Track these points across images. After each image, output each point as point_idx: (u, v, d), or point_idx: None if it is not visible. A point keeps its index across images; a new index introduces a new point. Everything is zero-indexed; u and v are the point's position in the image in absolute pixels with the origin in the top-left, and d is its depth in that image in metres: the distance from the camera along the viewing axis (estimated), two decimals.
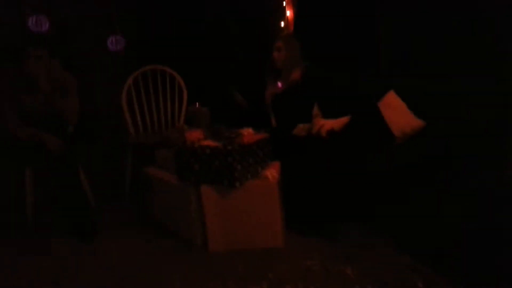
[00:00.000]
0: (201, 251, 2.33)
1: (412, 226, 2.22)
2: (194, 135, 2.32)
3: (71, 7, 3.96)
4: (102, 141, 3.40)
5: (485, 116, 2.21)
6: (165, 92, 3.40)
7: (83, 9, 4.05)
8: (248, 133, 2.29)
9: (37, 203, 2.88)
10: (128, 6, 4.23)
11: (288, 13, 3.81)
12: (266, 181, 2.27)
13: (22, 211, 2.85)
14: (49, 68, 2.67)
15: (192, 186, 2.34)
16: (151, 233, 2.61)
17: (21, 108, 2.66)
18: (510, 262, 1.73)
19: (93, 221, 2.71)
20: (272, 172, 2.29)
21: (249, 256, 2.22)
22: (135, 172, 3.15)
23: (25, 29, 3.47)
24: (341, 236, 2.35)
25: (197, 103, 3.09)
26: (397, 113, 2.43)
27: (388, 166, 2.19)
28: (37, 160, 2.74)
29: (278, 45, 3.13)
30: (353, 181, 2.31)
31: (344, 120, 2.74)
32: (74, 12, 3.99)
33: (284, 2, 3.80)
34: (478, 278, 1.76)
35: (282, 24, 3.84)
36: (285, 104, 3.15)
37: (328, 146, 2.62)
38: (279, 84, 3.23)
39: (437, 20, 2.63)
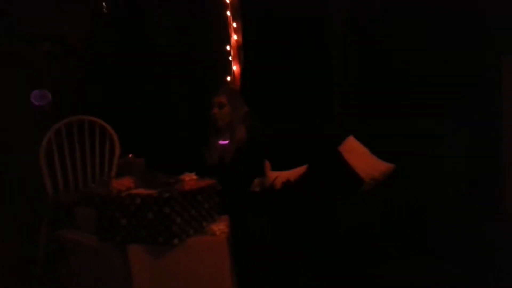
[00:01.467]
0: None
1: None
2: (122, 183, 1.87)
3: None
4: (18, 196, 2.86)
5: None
6: (94, 145, 2.96)
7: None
8: (190, 179, 1.87)
9: None
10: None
11: (235, 67, 3.63)
12: (212, 237, 1.83)
13: None
14: None
15: (116, 248, 1.84)
16: None
17: None
18: None
19: None
20: (219, 227, 1.86)
21: None
22: (51, 239, 2.57)
23: None
24: None
25: (130, 155, 2.66)
26: (360, 156, 2.21)
27: (358, 215, 1.86)
28: None
29: (220, 101, 2.82)
30: (318, 232, 1.94)
31: (300, 169, 2.47)
32: None
33: (230, 57, 3.63)
34: None
35: (228, 78, 3.63)
36: (236, 162, 2.83)
37: (285, 198, 2.30)
38: (225, 142, 2.91)
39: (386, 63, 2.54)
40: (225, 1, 3.51)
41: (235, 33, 3.51)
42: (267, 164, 2.71)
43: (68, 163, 2.91)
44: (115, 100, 3.51)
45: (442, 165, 1.99)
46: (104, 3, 3.81)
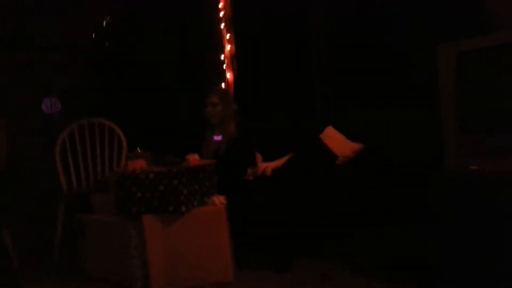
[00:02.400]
0: None
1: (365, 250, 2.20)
2: (137, 164, 2.20)
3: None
4: (33, 189, 3.12)
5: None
6: (103, 144, 3.27)
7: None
8: (193, 158, 2.21)
9: None
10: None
11: (229, 75, 3.98)
12: (213, 207, 2.15)
13: None
14: None
15: (132, 220, 2.15)
16: (85, 286, 2.30)
17: None
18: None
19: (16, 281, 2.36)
20: (219, 198, 2.19)
21: None
22: (67, 225, 2.86)
23: None
24: (294, 268, 2.23)
25: (138, 148, 2.97)
26: (336, 141, 2.60)
27: (333, 183, 2.22)
28: None
29: (213, 100, 3.17)
30: (303, 207, 2.28)
31: (286, 158, 2.80)
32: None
33: (225, 65, 3.98)
34: None
35: (223, 85, 3.97)
36: (230, 154, 3.15)
37: (275, 183, 2.62)
38: (219, 137, 3.24)
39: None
40: (219, 15, 3.89)
41: (229, 43, 3.88)
42: (258, 155, 3.04)
43: (80, 161, 3.21)
44: (122, 102, 3.83)
45: (398, 141, 2.37)
46: (108, 16, 4.15)
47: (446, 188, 1.72)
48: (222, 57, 3.93)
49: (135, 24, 4.18)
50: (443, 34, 2.00)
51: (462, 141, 1.71)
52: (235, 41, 3.88)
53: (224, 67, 3.99)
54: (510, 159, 1.62)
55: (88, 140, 3.26)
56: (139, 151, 2.98)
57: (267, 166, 2.88)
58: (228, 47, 3.90)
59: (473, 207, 1.67)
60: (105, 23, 4.12)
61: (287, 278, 2.13)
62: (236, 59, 3.91)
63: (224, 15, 3.89)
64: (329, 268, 2.17)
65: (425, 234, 1.91)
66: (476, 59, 1.69)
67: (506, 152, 1.63)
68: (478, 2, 2.10)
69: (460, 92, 1.71)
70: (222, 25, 3.86)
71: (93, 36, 4.11)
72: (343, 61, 3.17)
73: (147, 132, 3.59)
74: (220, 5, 3.89)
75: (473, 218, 1.69)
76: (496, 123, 1.68)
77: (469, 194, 1.66)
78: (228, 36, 3.89)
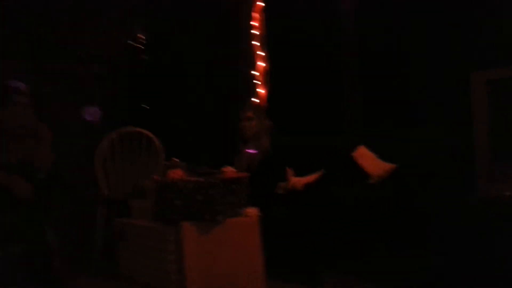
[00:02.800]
0: None
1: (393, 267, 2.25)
2: (177, 173, 2.33)
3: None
4: (74, 194, 3.28)
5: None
6: (141, 153, 3.43)
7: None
8: (230, 170, 2.33)
9: None
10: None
11: (262, 91, 4.10)
12: (247, 218, 2.25)
13: None
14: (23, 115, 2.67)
15: (170, 226, 2.28)
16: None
17: None
18: None
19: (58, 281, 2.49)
20: (253, 210, 2.29)
21: None
22: (107, 229, 3.00)
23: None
24: (325, 284, 2.30)
25: (174, 158, 3.12)
26: (368, 160, 2.66)
27: (365, 200, 2.29)
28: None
29: (249, 115, 3.30)
30: (333, 222, 2.35)
31: (317, 174, 2.88)
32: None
33: (257, 81, 4.11)
34: None
35: (255, 99, 4.09)
36: (263, 168, 3.26)
37: (306, 197, 2.70)
38: (252, 151, 3.35)
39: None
40: (254, 33, 4.03)
41: (262, 60, 4.01)
42: (290, 170, 3.14)
43: (120, 168, 3.37)
44: (157, 113, 4.01)
45: (431, 165, 2.43)
46: (139, 34, 4.34)
47: (479, 214, 1.76)
48: (256, 72, 4.05)
49: (171, 37, 4.38)
50: (477, 61, 2.06)
51: (496, 168, 1.76)
52: (269, 57, 4.00)
53: (258, 83, 4.11)
54: None
55: (127, 148, 3.45)
56: (175, 160, 3.13)
57: (298, 181, 2.96)
58: (261, 64, 4.02)
59: (506, 233, 1.70)
60: (142, 38, 4.32)
61: None
62: (270, 75, 4.03)
63: (258, 32, 4.03)
64: (357, 283, 2.23)
65: (453, 258, 1.94)
66: (510, 87, 1.74)
67: None
68: None
69: (493, 119, 1.76)
70: (256, 42, 4.00)
71: (130, 49, 4.31)
72: (376, 81, 3.23)
73: (181, 143, 3.74)
74: (255, 23, 4.03)
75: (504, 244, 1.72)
76: None
77: (503, 219, 1.70)
78: (261, 52, 4.02)
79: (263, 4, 3.98)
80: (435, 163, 2.42)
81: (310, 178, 2.93)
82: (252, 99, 4.06)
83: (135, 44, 4.30)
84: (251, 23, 4.03)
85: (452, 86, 2.45)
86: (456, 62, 2.48)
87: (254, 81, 4.08)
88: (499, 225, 1.71)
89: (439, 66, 2.67)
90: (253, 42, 4.01)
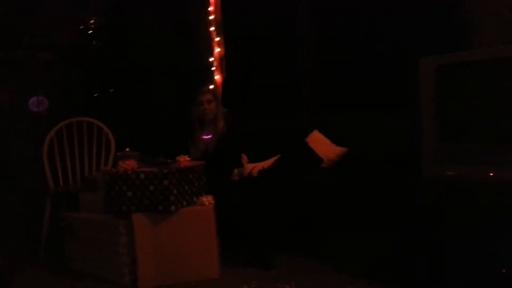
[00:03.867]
0: None
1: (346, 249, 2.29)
2: (129, 164, 2.25)
3: None
4: (21, 187, 3.13)
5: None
6: (91, 143, 3.30)
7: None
8: (184, 160, 2.27)
9: None
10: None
11: (217, 77, 4.04)
12: (202, 206, 2.22)
13: None
14: None
15: (121, 218, 2.20)
16: (71, 282, 2.33)
17: None
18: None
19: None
20: (208, 198, 2.25)
21: None
22: (54, 223, 2.88)
23: None
24: (277, 265, 2.32)
25: (127, 149, 3.01)
26: (321, 145, 2.70)
27: (318, 184, 2.32)
28: None
29: (208, 98, 3.25)
30: (287, 208, 2.37)
31: (273, 159, 2.87)
32: None
33: (213, 68, 4.05)
34: None
35: (211, 86, 4.03)
36: (218, 153, 3.22)
37: (261, 184, 2.69)
38: (208, 136, 3.31)
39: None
40: (209, 18, 3.96)
41: (218, 46, 3.95)
42: (244, 156, 3.12)
43: (68, 160, 3.24)
44: (109, 102, 3.86)
45: (380, 146, 2.50)
46: (97, 17, 4.15)
47: (424, 193, 1.82)
48: (211, 59, 3.99)
49: (123, 25, 4.21)
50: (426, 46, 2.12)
51: (440, 149, 1.82)
52: (224, 44, 3.94)
53: (213, 69, 4.05)
54: (484, 166, 1.74)
55: (76, 139, 3.31)
56: (127, 151, 3.03)
57: (253, 167, 2.94)
58: (217, 50, 3.96)
59: (449, 211, 1.77)
60: (94, 24, 4.13)
61: (271, 275, 2.20)
62: (225, 62, 3.98)
63: (214, 18, 3.96)
64: (311, 265, 2.27)
65: (403, 237, 2.01)
66: (455, 72, 1.80)
67: (481, 159, 1.74)
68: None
69: (439, 102, 1.82)
70: (212, 28, 3.92)
71: (81, 36, 4.11)
72: (330, 66, 3.28)
73: (134, 132, 3.63)
74: (210, 8, 3.95)
75: (450, 221, 1.79)
76: (472, 132, 1.79)
77: (446, 198, 1.77)
78: (217, 39, 3.95)
79: None
80: (384, 145, 2.48)
81: (265, 164, 2.93)
82: (207, 85, 4.00)
83: (88, 30, 4.12)
84: (207, 7, 3.95)
85: (401, 70, 2.51)
86: (406, 47, 2.54)
87: (210, 67, 4.03)
88: (442, 204, 1.78)
89: (389, 51, 2.72)
90: (210, 27, 3.94)
